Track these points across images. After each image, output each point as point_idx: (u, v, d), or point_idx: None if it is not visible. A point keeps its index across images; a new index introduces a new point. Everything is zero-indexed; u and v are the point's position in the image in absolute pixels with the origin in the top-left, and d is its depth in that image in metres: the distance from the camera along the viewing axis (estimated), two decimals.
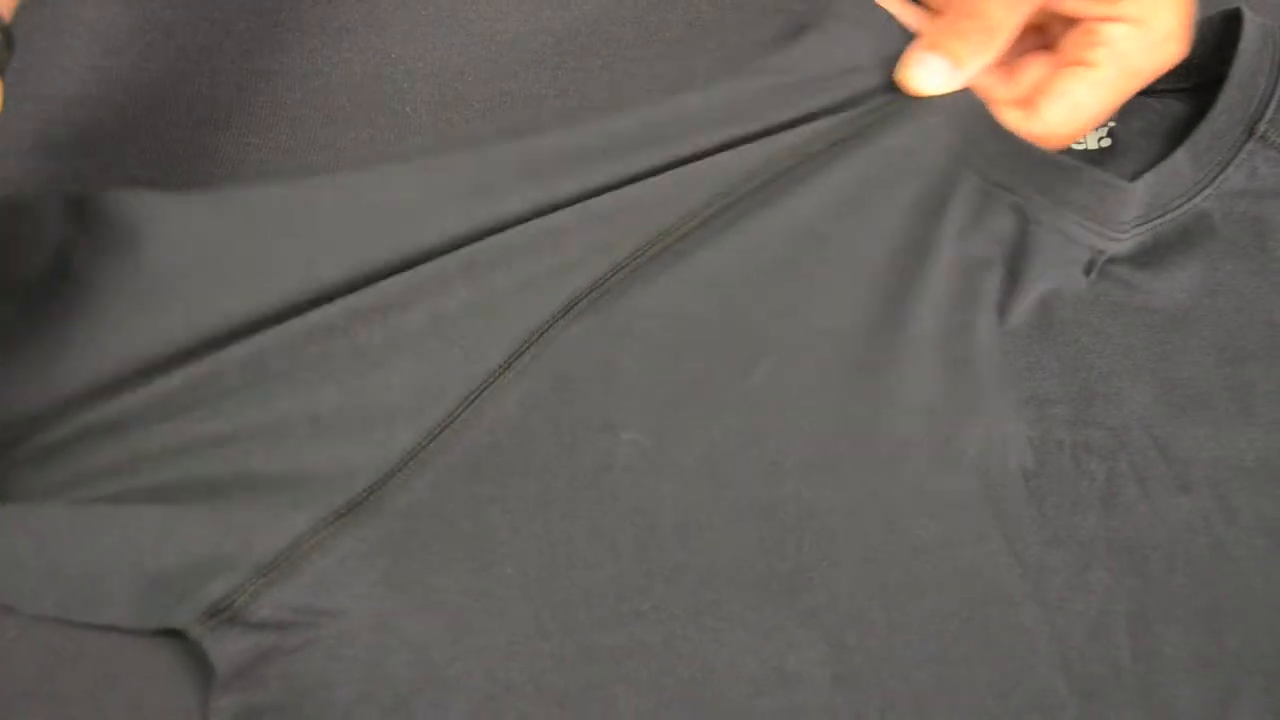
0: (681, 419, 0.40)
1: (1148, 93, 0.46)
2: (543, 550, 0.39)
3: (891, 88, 0.44)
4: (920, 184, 0.43)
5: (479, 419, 0.40)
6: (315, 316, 0.40)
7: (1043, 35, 0.46)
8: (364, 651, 0.38)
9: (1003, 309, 0.43)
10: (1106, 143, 0.47)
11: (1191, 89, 0.47)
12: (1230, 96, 0.45)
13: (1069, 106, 0.44)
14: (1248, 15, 0.45)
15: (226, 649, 0.39)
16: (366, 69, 0.52)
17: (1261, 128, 0.45)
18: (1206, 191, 0.45)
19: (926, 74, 0.44)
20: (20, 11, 0.39)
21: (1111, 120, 0.47)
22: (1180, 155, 0.45)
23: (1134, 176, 0.44)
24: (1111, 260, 0.44)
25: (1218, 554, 0.40)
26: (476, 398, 0.40)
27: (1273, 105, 0.45)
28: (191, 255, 0.41)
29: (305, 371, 0.40)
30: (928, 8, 0.46)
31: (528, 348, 0.41)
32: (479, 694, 0.38)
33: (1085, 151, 0.47)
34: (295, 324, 0.40)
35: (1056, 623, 0.39)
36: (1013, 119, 0.44)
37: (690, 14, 0.53)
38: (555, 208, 0.41)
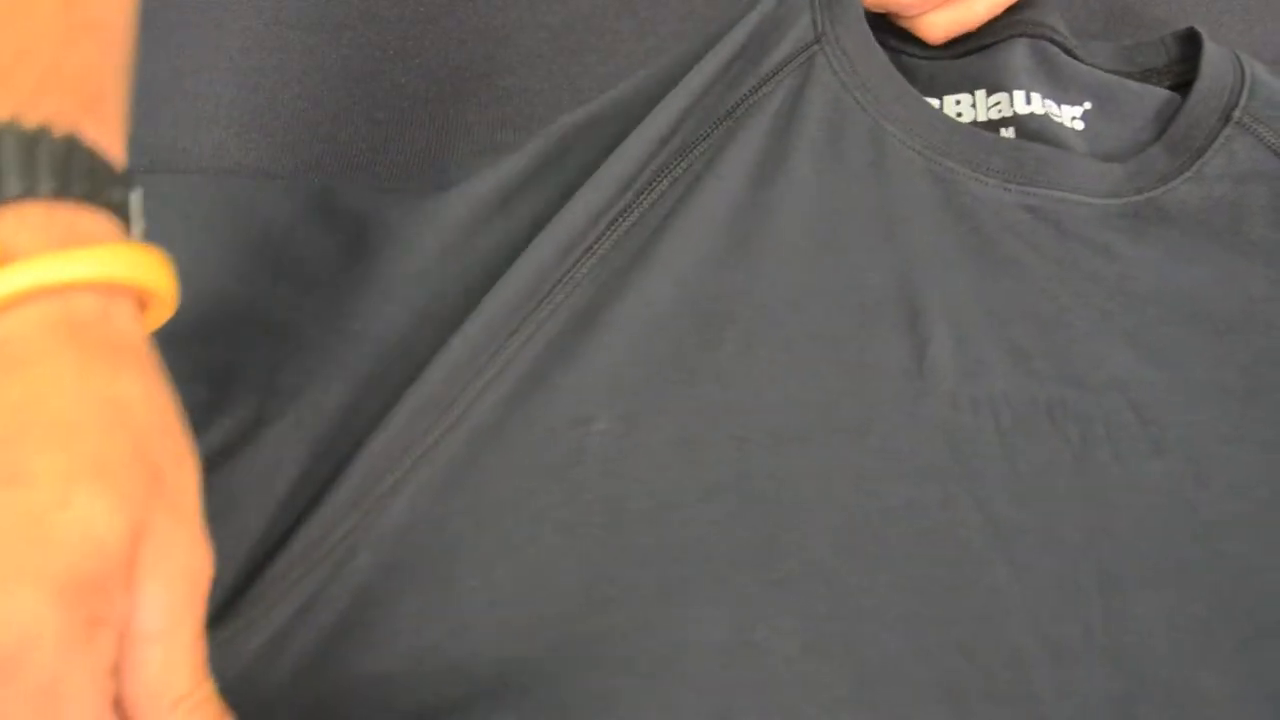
0: (651, 401, 0.41)
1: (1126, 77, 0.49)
2: (507, 555, 0.39)
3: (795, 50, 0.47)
4: (826, 140, 0.45)
5: (455, 432, 0.40)
6: None
7: None
8: (349, 676, 0.38)
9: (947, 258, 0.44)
10: (1080, 125, 0.48)
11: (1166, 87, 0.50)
12: (1204, 87, 0.47)
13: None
14: (1204, 32, 0.49)
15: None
16: (365, 65, 0.52)
17: (1237, 114, 0.47)
18: (1187, 174, 0.46)
19: None
20: None
21: (1086, 102, 0.49)
22: (1157, 147, 0.47)
23: (1109, 158, 0.47)
24: (1092, 231, 0.45)
25: (1188, 517, 0.41)
26: (452, 404, 0.41)
27: (1245, 94, 0.47)
28: None
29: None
30: None
31: (502, 350, 0.41)
32: (449, 689, 0.38)
33: (1061, 127, 0.48)
34: None
35: (1026, 582, 0.40)
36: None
37: (686, 8, 0.54)
38: None
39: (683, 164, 0.44)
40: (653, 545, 0.39)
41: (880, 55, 0.47)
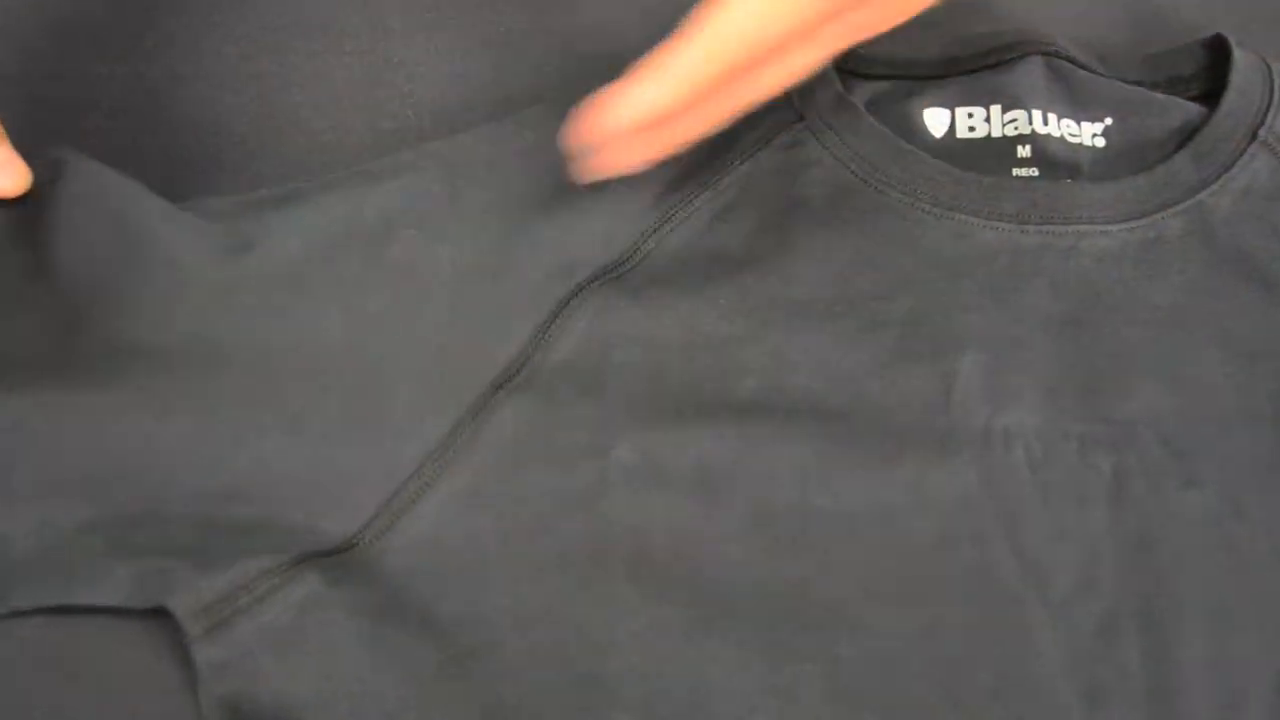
0: (668, 436, 0.41)
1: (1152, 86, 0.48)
2: (535, 578, 0.39)
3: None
4: (831, 212, 0.45)
5: (476, 441, 0.40)
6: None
7: None
8: (355, 683, 0.38)
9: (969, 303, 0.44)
10: (1100, 142, 0.47)
11: (1192, 98, 0.49)
12: (1232, 101, 0.46)
13: None
14: (1232, 39, 0.48)
15: (213, 649, 0.39)
16: (368, 72, 0.52)
17: (1263, 133, 0.46)
18: (1213, 187, 0.45)
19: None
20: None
21: (1107, 118, 0.47)
22: (1182, 156, 0.46)
23: (1136, 174, 0.45)
24: (1112, 262, 0.44)
25: (1228, 552, 0.40)
26: (474, 419, 0.41)
27: (1272, 112, 0.46)
28: None
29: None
30: None
31: (518, 371, 0.41)
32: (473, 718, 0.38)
33: (1080, 147, 0.47)
34: None
35: (1062, 622, 0.39)
36: None
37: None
38: None
39: (668, 224, 0.44)
40: (677, 582, 0.39)
41: (867, 122, 0.46)
